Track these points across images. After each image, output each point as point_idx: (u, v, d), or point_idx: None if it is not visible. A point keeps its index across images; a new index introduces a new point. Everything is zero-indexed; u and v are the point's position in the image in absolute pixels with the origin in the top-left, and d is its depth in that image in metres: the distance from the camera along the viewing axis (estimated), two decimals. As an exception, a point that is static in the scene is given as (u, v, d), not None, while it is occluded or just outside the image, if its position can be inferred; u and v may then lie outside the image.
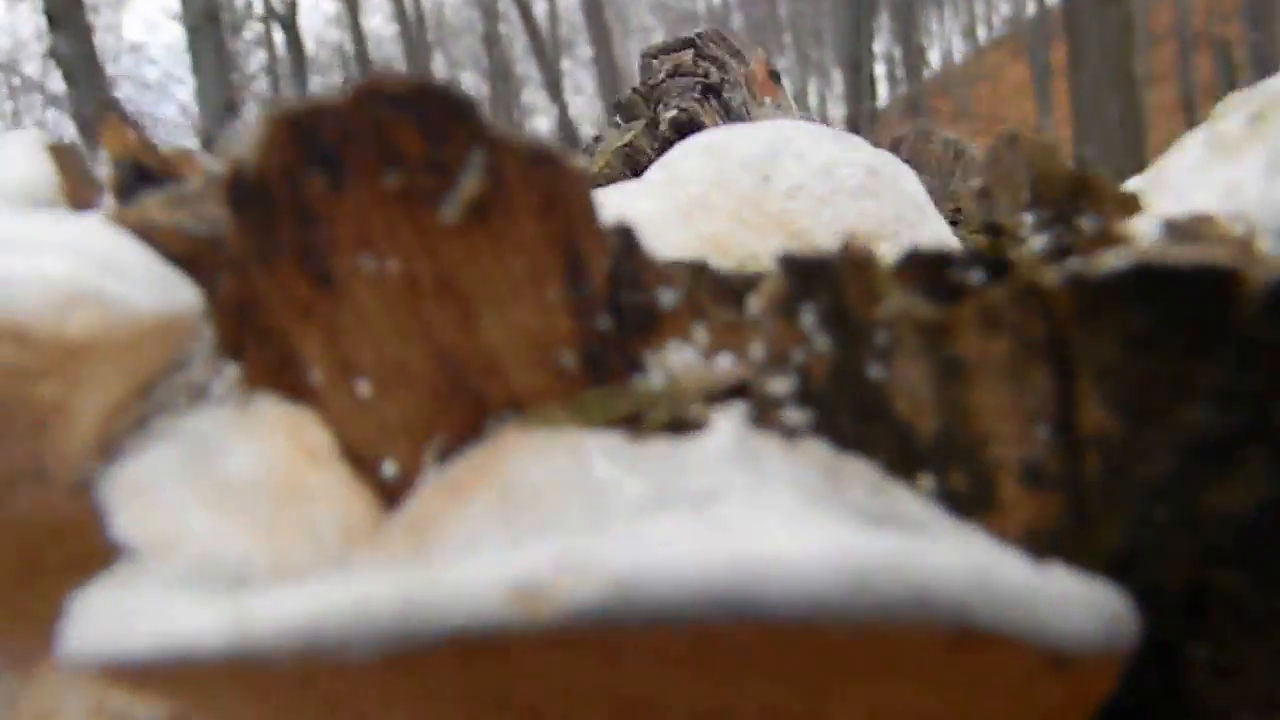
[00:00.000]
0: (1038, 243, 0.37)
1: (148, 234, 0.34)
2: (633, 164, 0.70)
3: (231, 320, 0.33)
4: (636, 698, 0.25)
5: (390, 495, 0.32)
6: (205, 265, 0.35)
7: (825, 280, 0.30)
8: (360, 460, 0.33)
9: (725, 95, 0.74)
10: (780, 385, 0.31)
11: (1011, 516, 0.30)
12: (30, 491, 0.32)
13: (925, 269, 0.31)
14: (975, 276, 0.30)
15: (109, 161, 0.40)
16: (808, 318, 0.31)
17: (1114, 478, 0.29)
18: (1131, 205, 0.38)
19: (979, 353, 0.30)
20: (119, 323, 0.31)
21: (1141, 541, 0.29)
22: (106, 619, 0.27)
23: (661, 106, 0.74)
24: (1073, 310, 0.29)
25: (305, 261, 0.31)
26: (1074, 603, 0.25)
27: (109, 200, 0.40)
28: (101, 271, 0.31)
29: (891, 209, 0.48)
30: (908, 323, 0.30)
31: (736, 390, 0.31)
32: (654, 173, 0.52)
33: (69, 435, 0.31)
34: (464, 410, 0.32)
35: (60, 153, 0.40)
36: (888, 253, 0.49)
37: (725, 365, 0.32)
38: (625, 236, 0.32)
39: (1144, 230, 0.35)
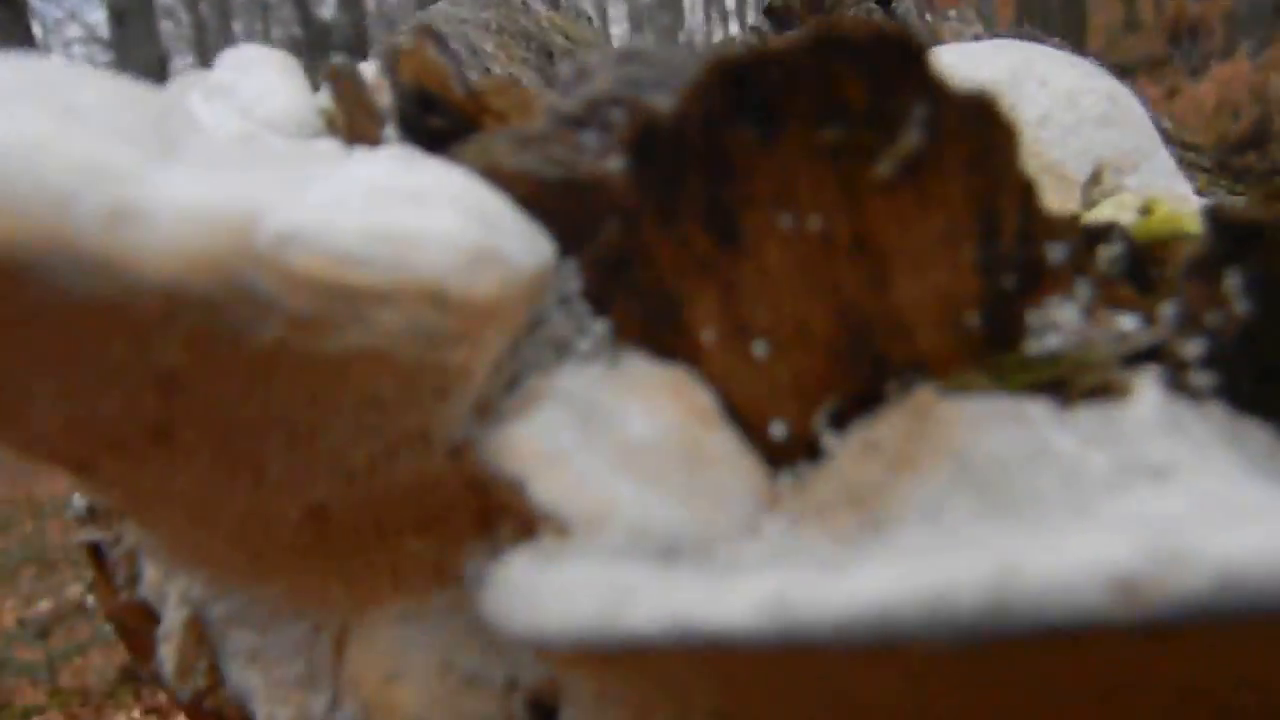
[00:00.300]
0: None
1: (493, 176, 0.32)
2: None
3: (603, 273, 0.32)
4: (1199, 686, 0.24)
5: (776, 456, 0.31)
6: (549, 209, 0.33)
7: (1257, 244, 0.30)
8: (745, 420, 0.31)
9: (893, 4, 0.71)
10: (1193, 349, 0.30)
11: None
12: (412, 458, 0.30)
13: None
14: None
15: (392, 91, 0.38)
16: (1232, 280, 0.30)
17: None
18: None
19: None
20: (513, 281, 0.29)
21: None
22: (572, 589, 0.26)
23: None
24: None
25: (711, 217, 0.30)
26: None
27: (391, 132, 0.38)
28: (488, 227, 0.29)
29: (1132, 138, 0.48)
30: (1346, 289, 0.29)
31: (1147, 353, 0.31)
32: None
33: (463, 400, 0.30)
34: (862, 372, 0.31)
35: (340, 79, 0.38)
36: (1131, 185, 0.49)
37: (1130, 326, 0.31)
38: (1026, 190, 0.31)
39: None
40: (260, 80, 0.38)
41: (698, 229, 0.30)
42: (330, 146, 0.36)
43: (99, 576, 0.49)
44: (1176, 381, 0.30)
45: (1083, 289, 0.32)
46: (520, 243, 0.30)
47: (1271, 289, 0.30)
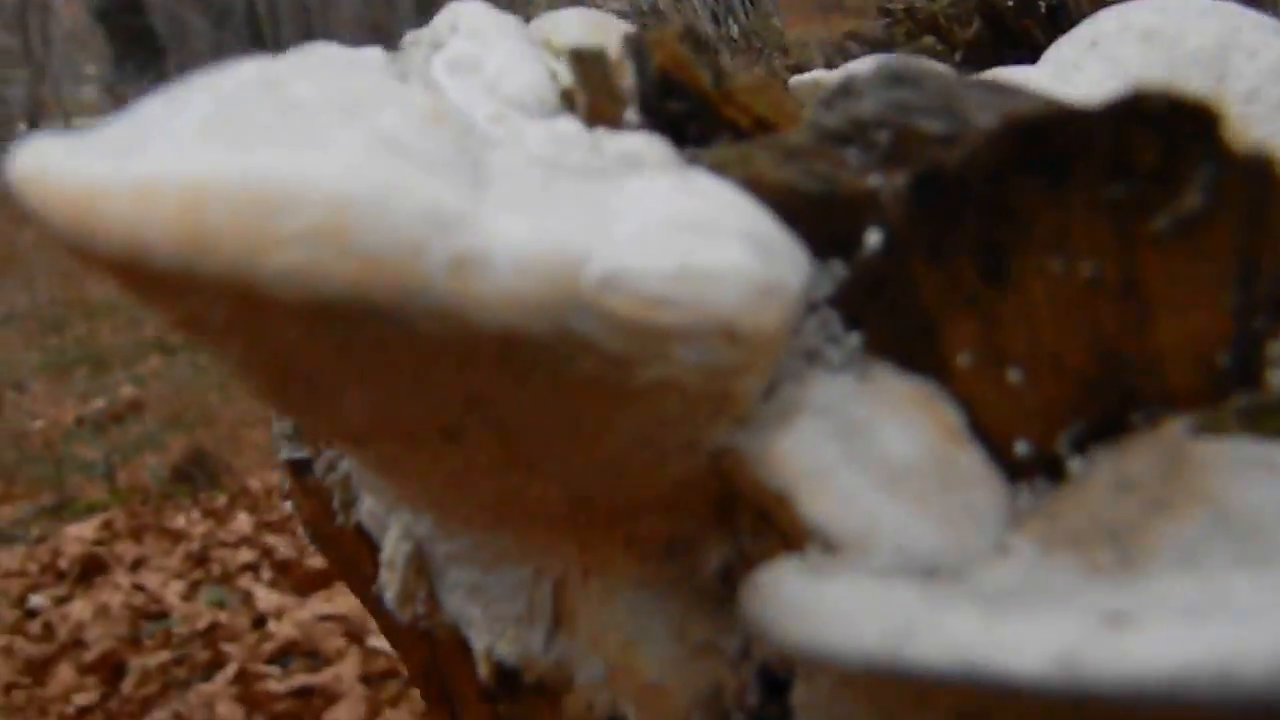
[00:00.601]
0: None
1: (755, 187, 0.33)
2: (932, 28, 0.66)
3: (859, 290, 0.33)
4: None
5: (1017, 473, 0.33)
6: (805, 220, 0.34)
7: None
8: (989, 438, 0.33)
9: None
10: None
11: None
12: (680, 461, 0.32)
13: None
14: None
15: (636, 76, 0.38)
16: None
17: None
18: None
19: None
20: (790, 307, 0.31)
21: None
22: (853, 612, 0.28)
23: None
24: None
25: (982, 255, 0.31)
26: None
27: (632, 116, 0.38)
28: (769, 256, 0.30)
29: (1339, 119, 0.47)
30: None
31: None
32: (1069, 51, 0.50)
33: (735, 416, 0.31)
34: (1110, 402, 0.32)
35: (585, 62, 0.38)
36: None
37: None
38: (1283, 236, 0.32)
39: None
40: (502, 54, 0.39)
41: (967, 264, 0.31)
42: (574, 129, 0.36)
43: (299, 491, 0.53)
44: None
45: (1322, 322, 0.33)
46: (791, 265, 0.31)
47: None
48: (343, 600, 4.86)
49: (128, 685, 4.18)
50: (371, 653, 4.15)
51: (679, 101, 0.38)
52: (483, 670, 0.43)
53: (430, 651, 0.48)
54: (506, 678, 0.43)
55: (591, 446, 0.32)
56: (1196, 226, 0.30)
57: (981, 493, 0.32)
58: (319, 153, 0.27)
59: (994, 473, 0.33)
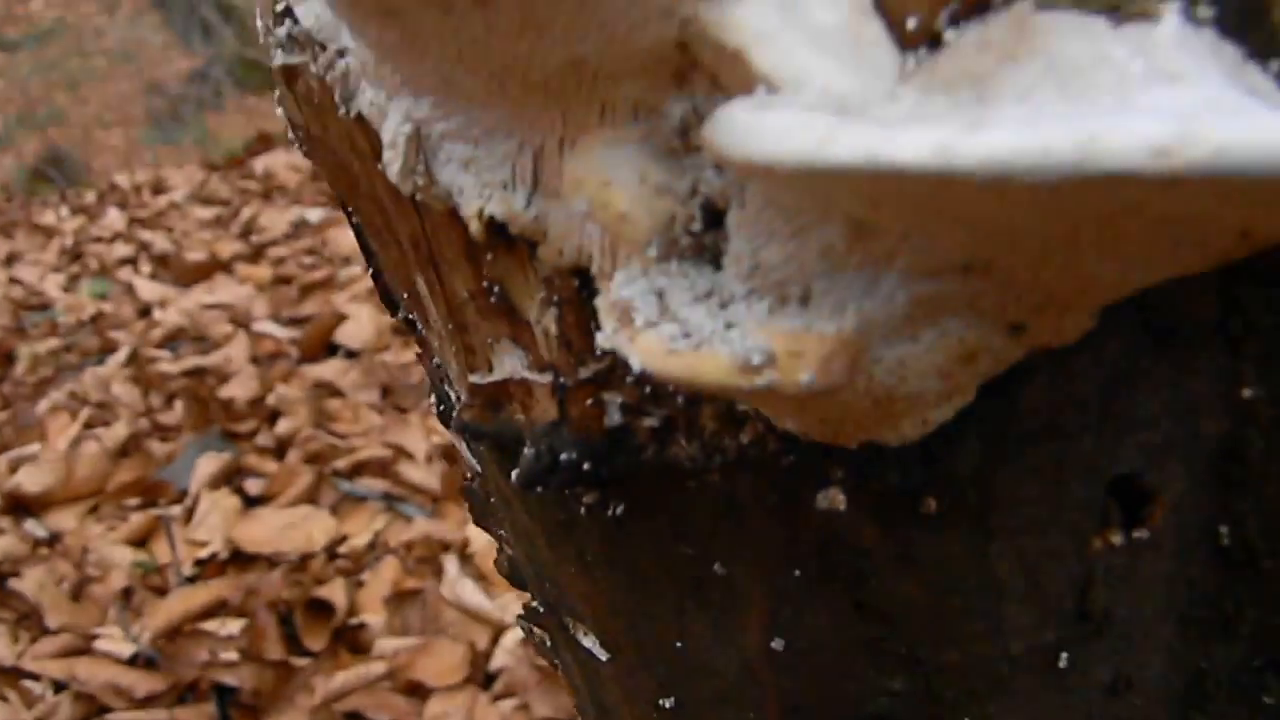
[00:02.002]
0: None
1: None
2: None
3: (797, -107, 0.41)
4: (1192, 216, 0.38)
5: (907, 43, 0.42)
6: None
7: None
8: (888, 15, 0.42)
9: None
10: (1206, -12, 0.42)
11: (1328, 93, 0.43)
12: (658, 27, 0.40)
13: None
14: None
15: None
16: (1247, -56, 0.41)
17: None
18: None
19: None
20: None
21: None
22: (789, 128, 0.38)
23: None
24: None
25: None
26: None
27: None
28: None
29: None
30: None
31: (1176, -11, 0.42)
32: None
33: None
34: (978, -14, 0.41)
35: None
36: None
37: (1165, -33, 0.42)
38: None
39: None
40: None
41: None
42: None
43: (291, 97, 0.59)
44: (1189, 12, 0.42)
45: (1137, -67, 0.42)
46: None
47: (1273, -50, 0.41)
48: (225, 291, 4.87)
49: (19, 369, 4.19)
50: (258, 336, 4.23)
51: None
52: (474, 227, 0.51)
53: (420, 223, 0.57)
54: (492, 234, 0.52)
55: (593, 7, 0.39)
56: None
57: (881, 53, 0.41)
58: None
59: (890, 41, 0.42)
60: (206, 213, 5.84)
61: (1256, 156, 0.35)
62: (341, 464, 3.28)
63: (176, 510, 3.11)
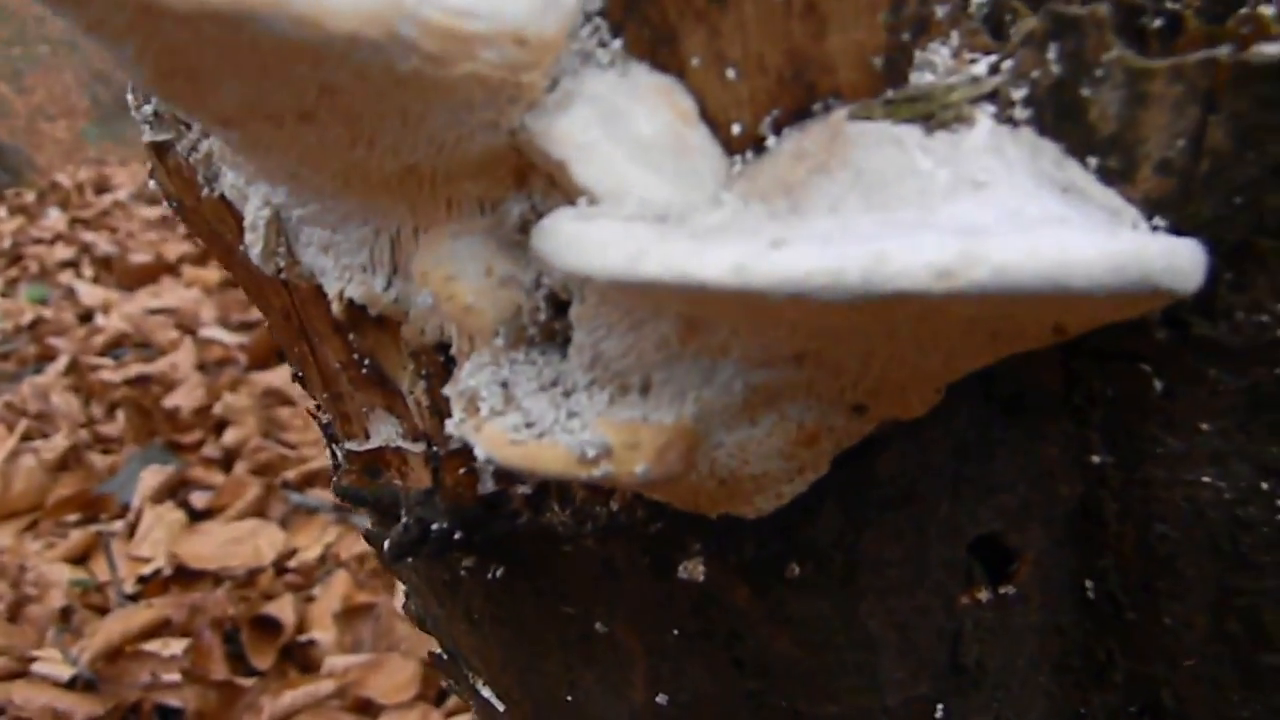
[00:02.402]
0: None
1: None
2: None
3: (620, 8, 0.43)
4: (977, 320, 0.41)
5: (732, 149, 0.45)
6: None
7: (1075, 29, 0.43)
8: (713, 121, 0.45)
9: None
10: (1018, 92, 0.44)
11: (1140, 189, 0.46)
12: (485, 137, 0.43)
13: (1127, 16, 0.44)
14: (1159, 21, 0.44)
15: None
16: (1053, 50, 0.43)
17: (1215, 176, 0.45)
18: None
19: (1161, 91, 0.44)
20: (567, 17, 0.40)
21: (1219, 214, 0.46)
22: (606, 243, 0.40)
23: None
24: (1230, 76, 0.43)
25: (707, -19, 0.41)
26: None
27: None
28: (550, -27, 0.40)
29: None
30: (1121, 66, 0.43)
31: (989, 94, 0.44)
32: None
33: (526, 102, 0.42)
34: (798, 94, 0.44)
35: None
36: None
37: (980, 72, 0.45)
38: (927, -30, 0.43)
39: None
40: None
41: (697, -12, 0.41)
42: None
43: (163, 170, 0.61)
44: (1004, 114, 0.45)
45: (954, 36, 0.45)
46: (566, -18, 0.41)
47: (1076, 59, 0.43)
48: (171, 294, 4.85)
49: (-45, 379, 4.15)
50: (205, 342, 4.22)
51: None
52: (336, 309, 0.54)
53: (289, 298, 0.59)
54: (355, 314, 0.55)
55: (417, 124, 0.42)
56: (857, -36, 0.41)
57: (704, 161, 0.44)
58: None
59: (715, 147, 0.45)
60: (152, 212, 5.80)
61: (1035, 274, 0.37)
62: (291, 475, 3.28)
63: (119, 526, 3.10)
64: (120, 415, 3.70)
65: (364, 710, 2.55)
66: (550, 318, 0.49)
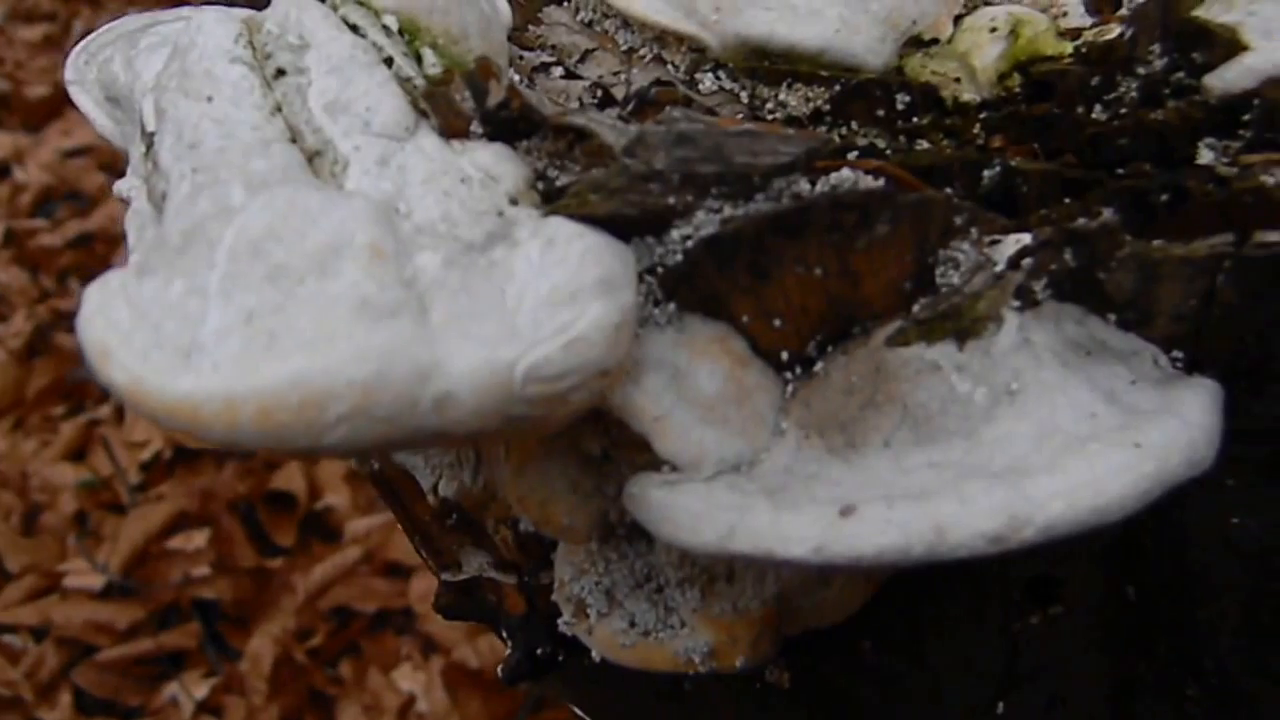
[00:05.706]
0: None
1: (590, 219, 0.50)
2: None
3: (673, 279, 0.52)
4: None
5: (783, 367, 0.55)
6: (625, 226, 0.51)
7: (1086, 242, 0.52)
8: (765, 352, 0.54)
9: None
10: (1039, 283, 0.54)
11: (1158, 333, 0.56)
12: (576, 417, 0.53)
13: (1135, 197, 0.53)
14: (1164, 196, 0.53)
15: (474, 99, 0.52)
16: (1068, 255, 0.53)
17: (1227, 321, 0.55)
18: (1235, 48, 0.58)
19: (1173, 271, 0.53)
20: (631, 314, 0.49)
21: (1234, 350, 0.56)
22: (697, 516, 0.51)
23: None
24: (1235, 265, 0.52)
25: (753, 269, 0.50)
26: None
27: (478, 128, 0.53)
28: (614, 292, 0.48)
29: None
30: (1134, 258, 0.52)
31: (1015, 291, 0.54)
32: None
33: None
34: (837, 325, 0.53)
35: (437, 99, 0.52)
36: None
37: (1001, 262, 0.54)
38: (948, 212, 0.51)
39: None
40: (361, 88, 0.52)
41: (744, 272, 0.50)
42: (447, 171, 0.52)
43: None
44: (1028, 299, 0.54)
45: (973, 230, 0.54)
46: (626, 279, 0.50)
47: (1090, 256, 0.53)
48: (83, 129, 4.80)
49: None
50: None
51: (505, 110, 0.53)
52: (431, 501, 0.65)
53: (380, 472, 0.69)
54: (448, 506, 0.65)
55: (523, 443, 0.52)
56: (885, 239, 0.49)
57: (762, 396, 0.54)
58: (332, 347, 0.43)
59: (769, 375, 0.54)
60: (32, 32, 5.64)
61: (1074, 523, 0.48)
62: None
63: (105, 411, 3.25)
64: (74, 285, 3.77)
65: (393, 572, 2.73)
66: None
